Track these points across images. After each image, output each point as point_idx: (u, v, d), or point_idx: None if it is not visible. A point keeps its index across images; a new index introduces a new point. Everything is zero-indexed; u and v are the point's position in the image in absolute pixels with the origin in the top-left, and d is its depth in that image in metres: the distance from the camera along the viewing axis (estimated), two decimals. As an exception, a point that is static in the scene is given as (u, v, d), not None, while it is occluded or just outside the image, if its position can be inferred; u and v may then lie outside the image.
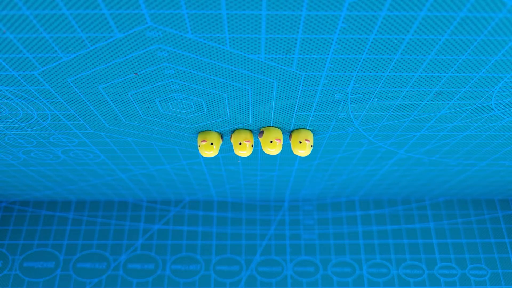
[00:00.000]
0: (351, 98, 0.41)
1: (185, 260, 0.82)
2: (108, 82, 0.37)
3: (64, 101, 0.40)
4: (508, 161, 0.61)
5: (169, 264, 0.81)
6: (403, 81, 0.37)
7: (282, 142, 0.54)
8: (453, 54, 0.33)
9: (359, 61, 0.34)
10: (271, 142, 0.50)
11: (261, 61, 0.34)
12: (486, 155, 0.58)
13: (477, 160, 0.61)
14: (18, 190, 0.78)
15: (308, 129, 0.52)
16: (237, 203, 0.88)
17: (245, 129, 0.51)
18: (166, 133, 0.49)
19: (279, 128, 0.52)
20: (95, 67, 0.34)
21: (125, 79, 0.36)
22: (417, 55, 0.33)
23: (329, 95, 0.40)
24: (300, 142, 0.49)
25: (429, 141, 0.53)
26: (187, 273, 0.80)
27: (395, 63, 0.34)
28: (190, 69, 0.35)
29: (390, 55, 0.33)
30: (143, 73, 0.35)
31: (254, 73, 0.36)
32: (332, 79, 0.37)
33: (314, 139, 0.52)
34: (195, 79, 0.37)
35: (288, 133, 0.51)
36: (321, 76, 0.36)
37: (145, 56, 0.33)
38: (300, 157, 0.59)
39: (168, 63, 0.34)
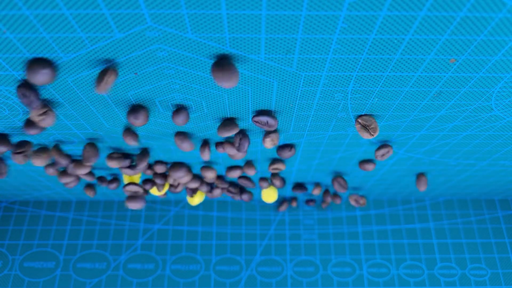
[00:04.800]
0: (351, 98, 0.41)
1: (185, 260, 0.82)
2: (108, 82, 0.37)
3: (64, 101, 0.40)
4: (508, 161, 0.61)
5: (169, 264, 0.81)
6: (403, 81, 0.37)
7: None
8: (453, 54, 0.33)
9: (359, 61, 0.34)
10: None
11: (261, 61, 0.34)
12: (486, 155, 0.58)
13: (477, 160, 0.61)
14: (18, 190, 0.78)
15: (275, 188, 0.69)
16: (237, 203, 0.88)
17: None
18: (166, 133, 0.49)
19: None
20: (95, 67, 0.34)
21: (125, 79, 0.36)
22: (417, 55, 0.33)
23: (329, 95, 0.40)
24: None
25: (429, 141, 0.53)
26: (187, 273, 0.80)
27: (395, 63, 0.34)
28: (190, 69, 0.35)
29: (390, 55, 0.33)
30: (143, 73, 0.35)
31: (254, 73, 0.36)
32: (332, 79, 0.37)
33: (313, 139, 0.52)
34: (195, 79, 0.37)
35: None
36: (321, 76, 0.36)
37: (145, 56, 0.33)
38: (300, 157, 0.59)
39: (168, 63, 0.34)
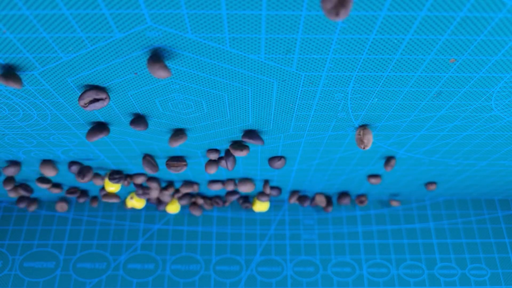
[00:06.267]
0: (351, 98, 0.41)
1: (185, 260, 0.82)
2: (108, 82, 0.37)
3: (64, 101, 0.40)
4: (508, 161, 0.61)
5: (169, 264, 0.81)
6: (403, 81, 0.37)
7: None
8: (453, 54, 0.33)
9: (359, 61, 0.34)
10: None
11: (261, 61, 0.34)
12: (486, 155, 0.58)
13: (477, 160, 0.61)
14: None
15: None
16: (236, 202, 0.88)
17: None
18: (166, 133, 0.49)
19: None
20: (95, 67, 0.34)
21: (125, 79, 0.36)
22: (417, 55, 0.33)
23: (329, 95, 0.40)
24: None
25: (429, 141, 0.53)
26: (187, 273, 0.80)
27: (395, 63, 0.34)
28: (190, 69, 0.35)
29: (390, 55, 0.33)
30: (143, 73, 0.35)
31: (254, 73, 0.36)
32: (332, 79, 0.37)
33: (313, 139, 0.52)
34: (195, 79, 0.37)
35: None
36: (321, 76, 0.36)
37: (145, 56, 0.33)
38: (300, 156, 0.59)
39: (168, 63, 0.34)
